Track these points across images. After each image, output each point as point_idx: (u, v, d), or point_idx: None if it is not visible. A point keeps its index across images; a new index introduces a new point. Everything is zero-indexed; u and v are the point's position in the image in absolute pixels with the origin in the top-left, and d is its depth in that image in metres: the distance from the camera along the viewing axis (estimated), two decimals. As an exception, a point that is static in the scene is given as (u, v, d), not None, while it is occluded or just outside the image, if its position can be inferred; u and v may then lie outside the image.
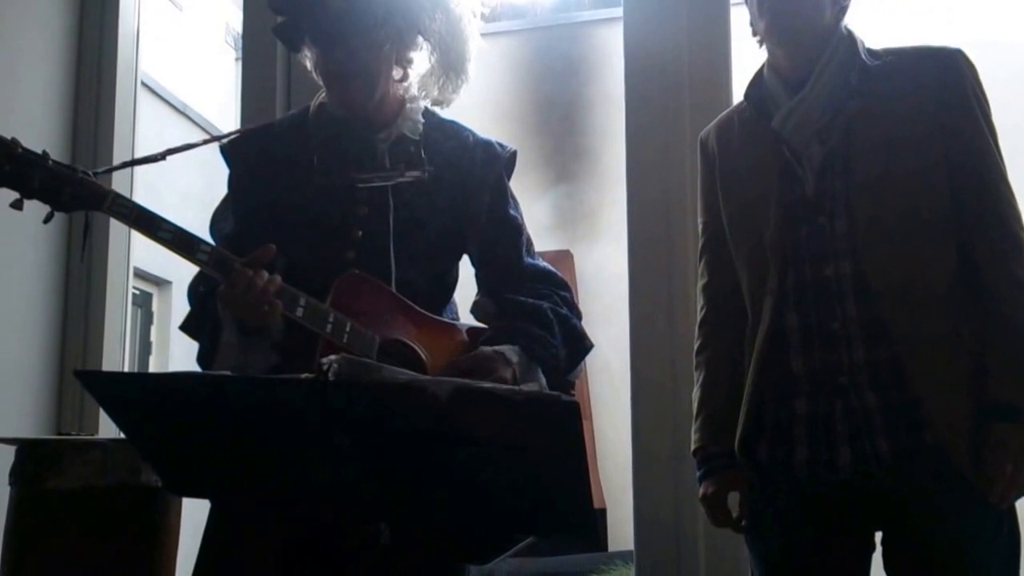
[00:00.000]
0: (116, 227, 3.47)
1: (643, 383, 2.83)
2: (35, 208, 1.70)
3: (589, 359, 2.04)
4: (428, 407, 1.28)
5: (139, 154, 3.55)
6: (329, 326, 1.77)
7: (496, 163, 2.03)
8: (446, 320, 2.00)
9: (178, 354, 6.77)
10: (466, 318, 2.07)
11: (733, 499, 1.94)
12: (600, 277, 6.21)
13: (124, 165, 2.02)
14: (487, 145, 2.05)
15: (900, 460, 1.73)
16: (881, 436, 1.74)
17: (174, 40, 7.11)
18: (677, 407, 2.75)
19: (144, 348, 7.02)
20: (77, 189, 1.70)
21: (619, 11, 3.12)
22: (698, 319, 2.05)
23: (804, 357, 1.81)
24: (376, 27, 1.86)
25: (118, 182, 3.34)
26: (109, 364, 3.39)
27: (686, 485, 2.71)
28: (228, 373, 1.64)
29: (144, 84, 4.72)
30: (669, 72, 2.91)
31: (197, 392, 1.41)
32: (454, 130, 2.05)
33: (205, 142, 1.99)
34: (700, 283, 2.06)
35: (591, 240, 6.58)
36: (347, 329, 1.79)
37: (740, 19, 2.92)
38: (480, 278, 2.07)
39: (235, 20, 7.47)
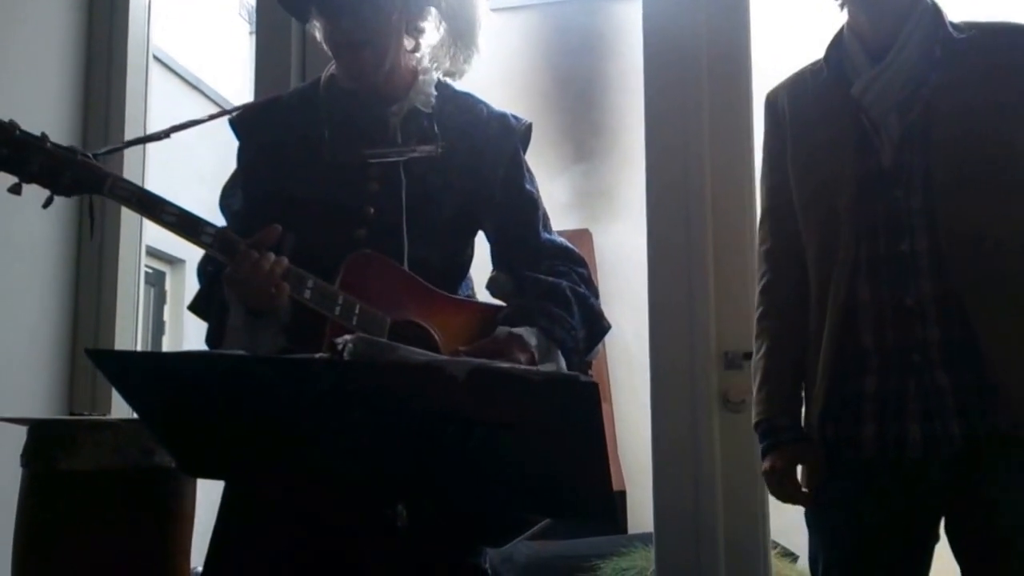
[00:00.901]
0: (128, 205, 3.45)
1: (662, 364, 2.81)
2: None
3: (608, 340, 2.00)
4: (445, 388, 1.26)
5: (151, 129, 3.52)
6: (338, 308, 1.74)
7: (511, 136, 1.99)
8: (461, 298, 1.97)
9: (191, 334, 6.76)
10: (482, 294, 2.03)
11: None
12: (619, 256, 6.17)
13: (127, 145, 2.00)
14: (502, 118, 2.00)
15: (972, 445, 1.70)
16: (953, 418, 1.71)
17: (187, 13, 7.07)
18: (696, 388, 2.74)
19: (157, 327, 7.02)
20: (77, 172, 1.67)
21: (637, -14, 3.08)
22: (759, 285, 2.00)
23: (876, 333, 1.78)
24: None
25: (130, 161, 3.32)
26: (122, 343, 3.38)
27: (705, 467, 2.70)
28: (242, 352, 1.61)
29: (156, 58, 4.68)
30: (688, 49, 2.90)
31: (210, 371, 1.39)
32: (468, 103, 2.00)
33: (211, 117, 1.96)
34: (762, 248, 2.01)
35: (609, 219, 6.52)
36: (356, 311, 1.75)
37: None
38: (496, 254, 2.03)
39: (248, -7, 7.45)
